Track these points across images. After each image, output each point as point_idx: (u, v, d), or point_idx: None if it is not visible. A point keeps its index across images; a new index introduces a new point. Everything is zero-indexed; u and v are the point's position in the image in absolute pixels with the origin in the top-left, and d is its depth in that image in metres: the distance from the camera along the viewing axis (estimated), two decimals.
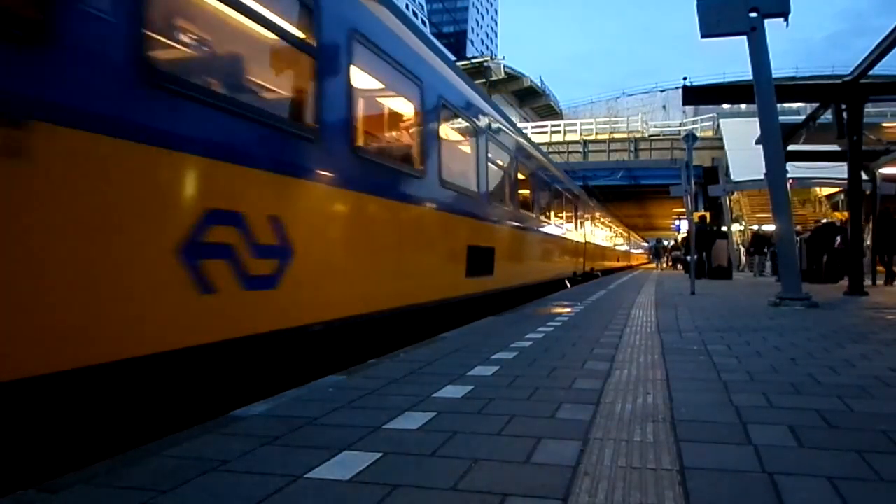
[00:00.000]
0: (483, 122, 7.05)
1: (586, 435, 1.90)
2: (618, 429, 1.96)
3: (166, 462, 1.69)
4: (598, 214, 20.30)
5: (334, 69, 3.72)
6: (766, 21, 6.59)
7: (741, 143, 22.53)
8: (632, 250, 40.80)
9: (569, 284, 13.61)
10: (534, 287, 9.85)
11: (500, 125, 8.02)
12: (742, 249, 23.37)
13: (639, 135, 39.21)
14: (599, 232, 20.68)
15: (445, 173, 5.54)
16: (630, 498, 1.41)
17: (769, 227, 20.85)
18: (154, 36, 2.44)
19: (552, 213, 11.58)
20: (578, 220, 15.09)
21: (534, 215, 9.82)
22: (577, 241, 14.87)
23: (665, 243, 33.51)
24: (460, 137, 6.58)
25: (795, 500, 1.38)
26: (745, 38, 6.69)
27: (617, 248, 28.32)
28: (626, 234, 35.14)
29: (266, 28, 3.11)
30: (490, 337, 4.29)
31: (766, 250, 18.38)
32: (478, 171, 6.76)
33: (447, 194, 5.64)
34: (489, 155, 7.16)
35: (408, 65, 4.80)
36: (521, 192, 8.99)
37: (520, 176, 8.94)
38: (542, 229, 10.38)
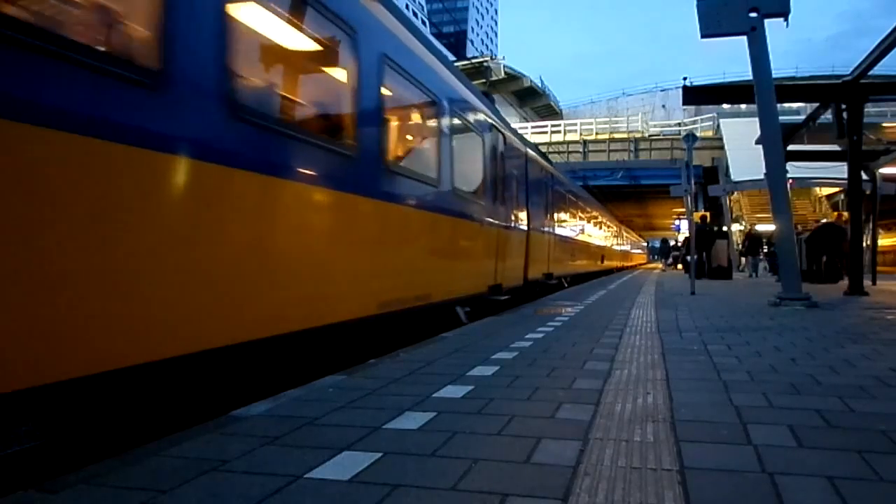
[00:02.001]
0: None
1: (586, 435, 1.89)
2: (618, 429, 1.96)
3: (166, 462, 1.69)
4: (567, 192, 14.14)
5: None
6: (767, 21, 6.60)
7: (741, 143, 22.58)
8: (626, 248, 34.84)
9: (465, 319, 6.02)
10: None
11: None
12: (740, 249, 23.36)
13: (639, 135, 39.16)
14: (569, 218, 14.27)
15: None
16: (630, 498, 1.41)
17: (762, 228, 20.88)
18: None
19: (427, 154, 5.43)
20: (520, 190, 8.92)
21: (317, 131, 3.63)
22: (505, 228, 7.83)
23: (671, 243, 32.51)
24: None
25: (795, 500, 1.38)
26: (745, 38, 6.70)
27: (605, 245, 21.64)
28: (616, 227, 27.89)
29: None
30: (490, 337, 4.29)
31: (760, 251, 18.39)
32: None
33: None
34: None
35: None
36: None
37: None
38: (385, 186, 4.28)
